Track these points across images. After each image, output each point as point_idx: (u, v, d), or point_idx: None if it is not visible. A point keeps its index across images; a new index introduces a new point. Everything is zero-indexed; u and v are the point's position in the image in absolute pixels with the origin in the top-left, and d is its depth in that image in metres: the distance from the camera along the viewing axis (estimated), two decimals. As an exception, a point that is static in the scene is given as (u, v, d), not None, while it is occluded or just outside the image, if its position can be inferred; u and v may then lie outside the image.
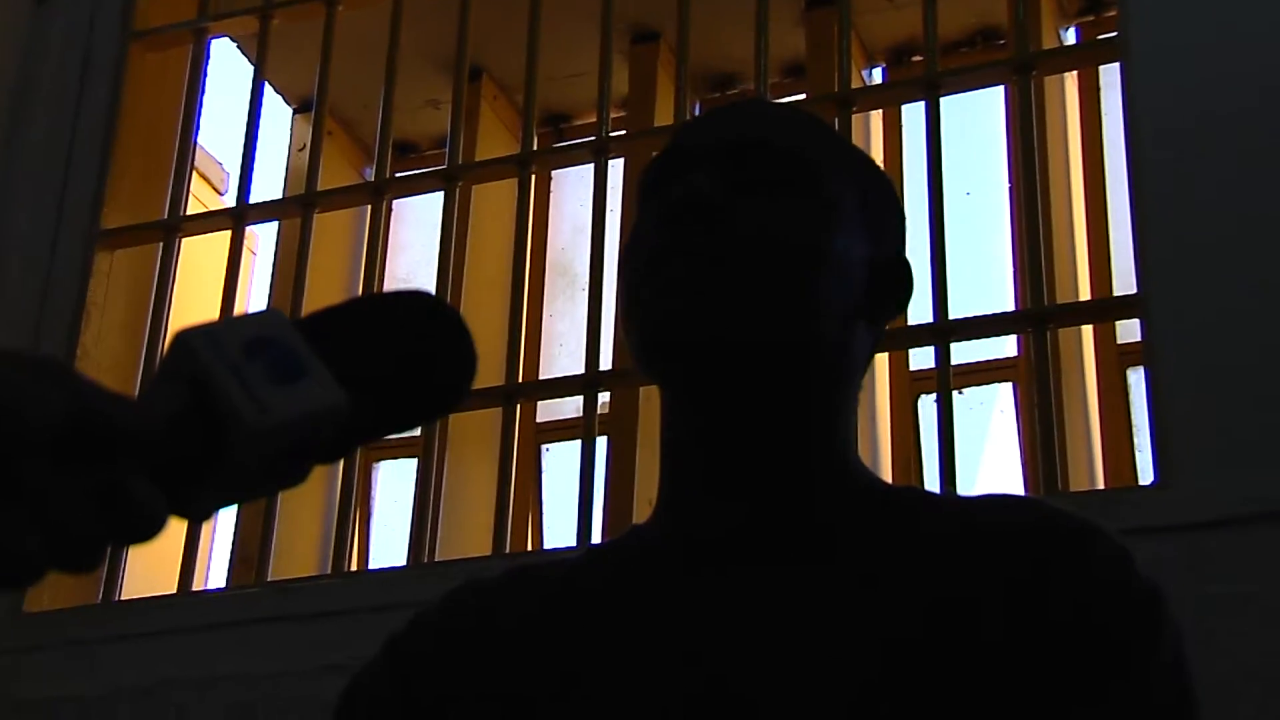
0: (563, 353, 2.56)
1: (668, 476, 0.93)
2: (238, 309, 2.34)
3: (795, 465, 0.90)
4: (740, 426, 0.89)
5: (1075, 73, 2.36)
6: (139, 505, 0.52)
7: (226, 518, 2.36)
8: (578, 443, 2.08)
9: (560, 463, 2.52)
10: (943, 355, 1.93)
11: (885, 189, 0.98)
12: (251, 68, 2.49)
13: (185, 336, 0.56)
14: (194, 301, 2.47)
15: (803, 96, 2.40)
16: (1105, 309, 2.11)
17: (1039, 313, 1.93)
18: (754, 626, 0.84)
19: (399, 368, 0.60)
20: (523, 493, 2.39)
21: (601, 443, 2.12)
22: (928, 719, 0.79)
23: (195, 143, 2.47)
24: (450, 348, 0.62)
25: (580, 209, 2.56)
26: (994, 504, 0.89)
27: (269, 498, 2.15)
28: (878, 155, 2.42)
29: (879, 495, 0.92)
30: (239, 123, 2.41)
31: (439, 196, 2.32)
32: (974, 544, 0.85)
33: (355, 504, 2.16)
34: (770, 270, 0.88)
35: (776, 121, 0.95)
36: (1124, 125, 1.92)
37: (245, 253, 2.37)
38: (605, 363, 2.14)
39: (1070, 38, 2.43)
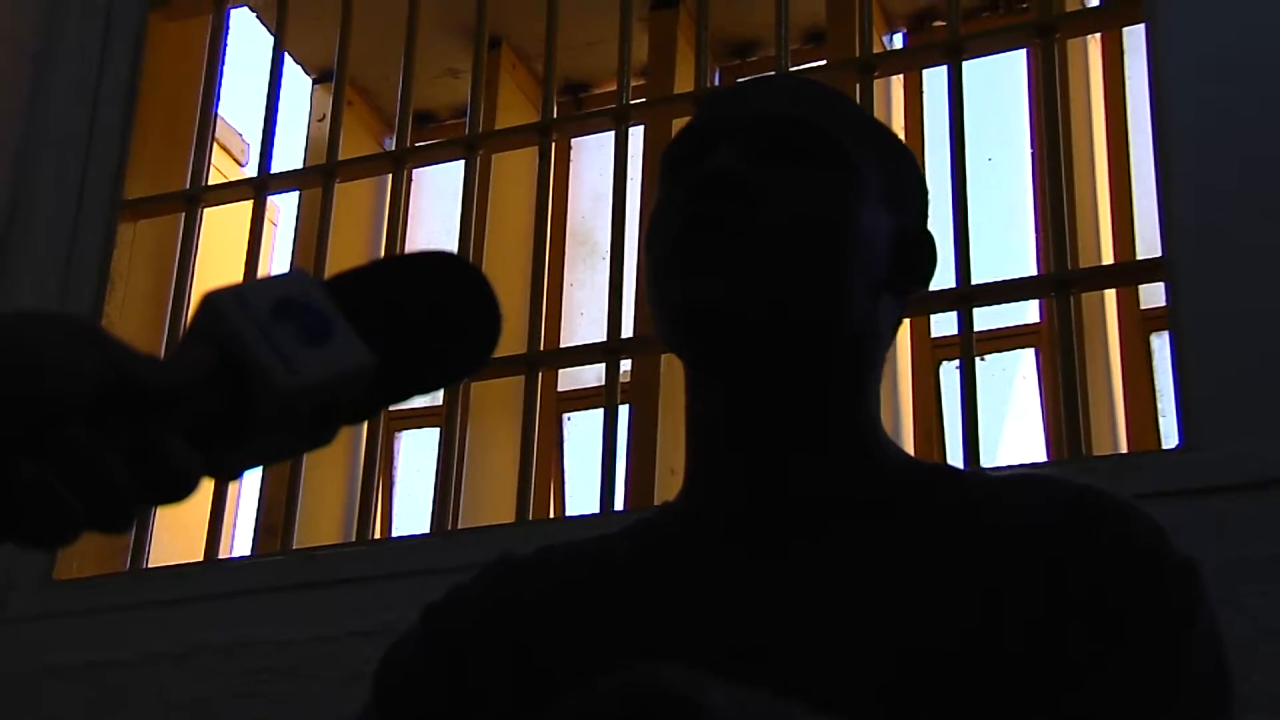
0: (584, 321, 2.56)
1: (696, 453, 0.93)
2: (260, 279, 2.35)
3: (822, 442, 0.90)
4: (766, 404, 0.89)
5: (1099, 35, 2.34)
6: (172, 464, 0.53)
7: (251, 487, 2.38)
8: (599, 411, 2.08)
9: (582, 431, 2.52)
10: (965, 321, 1.92)
11: (907, 161, 0.98)
12: (271, 38, 2.49)
13: (214, 298, 0.57)
14: (216, 271, 2.48)
15: (823, 63, 2.39)
16: (1129, 273, 2.10)
17: (1062, 277, 1.92)
18: (787, 602, 0.85)
19: (423, 322, 0.60)
20: (545, 461, 2.40)
21: (623, 411, 2.13)
22: (950, 704, 0.79)
23: (216, 113, 2.47)
24: (472, 299, 0.62)
25: (600, 177, 2.55)
26: (1026, 483, 0.89)
27: (294, 465, 2.16)
28: (899, 121, 2.40)
29: (907, 472, 0.92)
30: (259, 93, 2.42)
31: (459, 166, 2.32)
32: (1005, 524, 0.85)
33: (378, 473, 2.17)
34: (798, 246, 0.88)
35: (799, 96, 0.94)
36: (1148, 88, 1.90)
37: (266, 223, 2.38)
38: (627, 330, 2.13)
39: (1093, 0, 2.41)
